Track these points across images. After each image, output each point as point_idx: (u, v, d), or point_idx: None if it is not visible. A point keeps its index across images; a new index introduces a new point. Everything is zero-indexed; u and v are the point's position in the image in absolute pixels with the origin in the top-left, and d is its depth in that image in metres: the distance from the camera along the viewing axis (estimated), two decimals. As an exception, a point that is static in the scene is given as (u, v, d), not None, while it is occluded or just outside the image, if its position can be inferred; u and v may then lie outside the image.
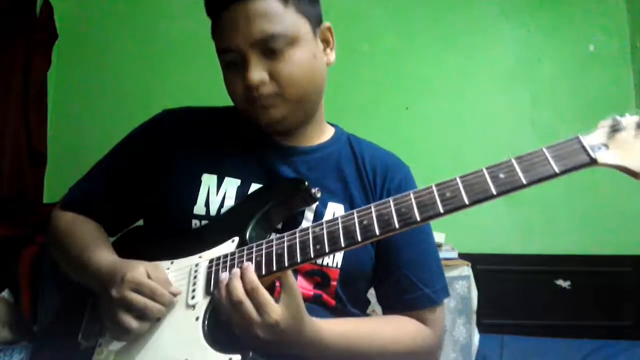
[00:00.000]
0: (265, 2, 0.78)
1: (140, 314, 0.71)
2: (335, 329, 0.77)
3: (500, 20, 2.79)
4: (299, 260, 0.68)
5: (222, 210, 0.84)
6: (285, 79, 0.80)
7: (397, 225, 0.64)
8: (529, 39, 2.77)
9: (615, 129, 0.59)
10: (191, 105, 0.99)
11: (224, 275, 0.70)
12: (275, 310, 0.67)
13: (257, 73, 0.79)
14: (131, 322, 0.71)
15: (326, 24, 0.88)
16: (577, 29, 2.74)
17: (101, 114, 2.76)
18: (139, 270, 0.73)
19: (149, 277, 0.73)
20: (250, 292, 0.67)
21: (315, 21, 0.86)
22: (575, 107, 2.66)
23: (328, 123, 0.99)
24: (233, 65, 0.82)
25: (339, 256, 0.83)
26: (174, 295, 0.74)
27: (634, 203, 2.50)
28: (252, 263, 0.71)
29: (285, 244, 0.71)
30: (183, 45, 2.74)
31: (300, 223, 0.84)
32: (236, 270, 0.70)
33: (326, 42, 0.89)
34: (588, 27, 2.73)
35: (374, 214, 0.66)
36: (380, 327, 0.84)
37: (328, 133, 0.96)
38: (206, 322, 0.71)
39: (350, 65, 2.68)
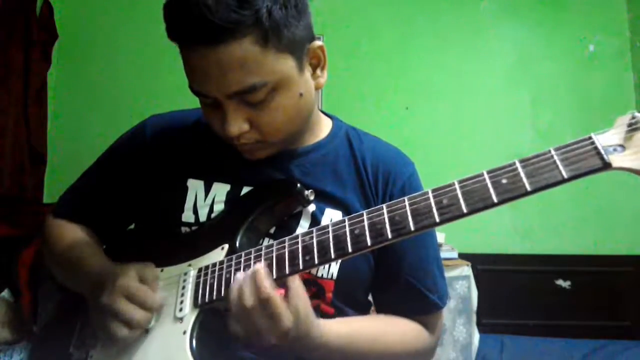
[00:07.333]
0: (240, 47, 0.65)
1: (128, 324, 0.69)
2: (341, 330, 0.75)
3: (500, 20, 2.79)
4: (287, 272, 0.65)
5: (212, 216, 0.81)
6: (267, 127, 0.73)
7: (389, 236, 0.60)
8: (529, 39, 2.77)
9: (633, 128, 0.52)
10: (180, 109, 0.94)
11: (239, 276, 0.65)
12: (288, 318, 0.63)
13: (236, 125, 0.71)
14: (120, 330, 0.68)
15: (316, 43, 0.75)
16: (577, 29, 2.74)
17: (101, 114, 2.77)
18: (130, 274, 0.71)
19: (140, 280, 0.72)
20: (262, 302, 0.62)
21: (302, 47, 0.73)
22: (575, 107, 2.66)
23: (325, 114, 0.92)
24: (209, 105, 0.74)
25: (334, 267, 0.78)
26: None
27: (634, 203, 2.50)
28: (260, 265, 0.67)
29: (274, 254, 0.67)
30: (183, 45, 2.74)
31: (294, 230, 0.79)
32: (247, 276, 0.64)
33: (317, 62, 0.77)
34: (588, 27, 2.74)
35: (366, 223, 0.62)
36: (384, 330, 0.82)
37: (325, 129, 0.89)
38: (194, 336, 0.68)
39: (350, 65, 2.68)
